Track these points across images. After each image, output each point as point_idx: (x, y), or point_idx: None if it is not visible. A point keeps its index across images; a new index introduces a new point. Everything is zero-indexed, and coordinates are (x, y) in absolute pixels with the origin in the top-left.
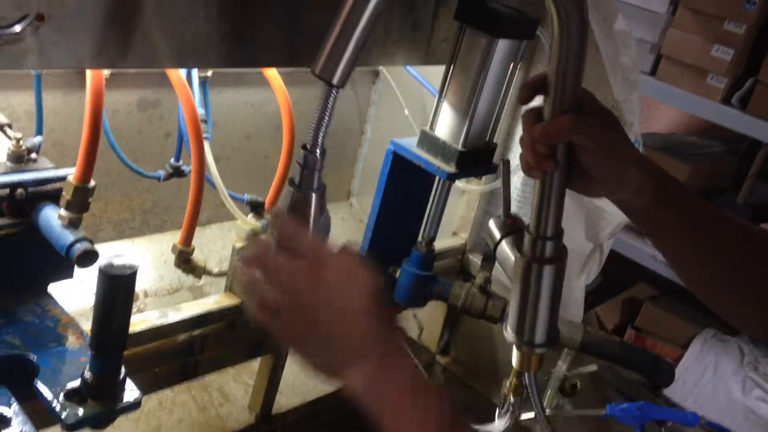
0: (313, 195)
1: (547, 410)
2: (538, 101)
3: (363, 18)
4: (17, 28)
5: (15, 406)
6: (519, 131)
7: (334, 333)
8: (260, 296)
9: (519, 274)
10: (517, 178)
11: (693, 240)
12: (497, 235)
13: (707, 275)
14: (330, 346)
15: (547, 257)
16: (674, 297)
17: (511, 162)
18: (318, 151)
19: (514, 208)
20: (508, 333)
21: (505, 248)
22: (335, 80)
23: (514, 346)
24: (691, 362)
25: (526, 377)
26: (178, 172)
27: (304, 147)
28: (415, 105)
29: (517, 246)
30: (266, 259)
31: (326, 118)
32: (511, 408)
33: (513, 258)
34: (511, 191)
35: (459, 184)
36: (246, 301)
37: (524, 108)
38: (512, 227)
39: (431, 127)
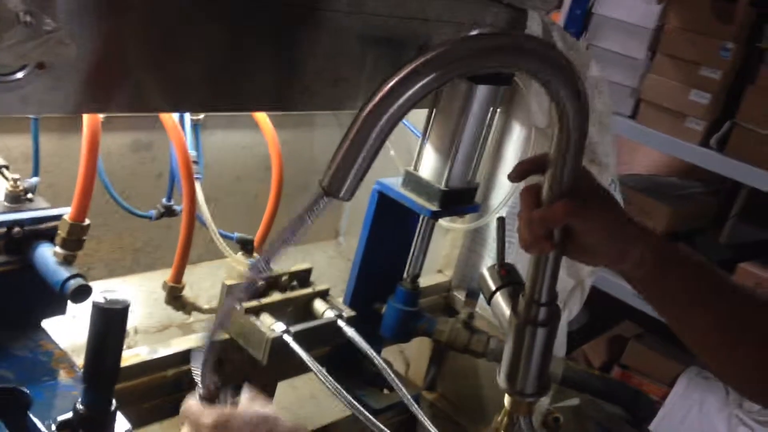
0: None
1: None
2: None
3: (374, 134)
4: (19, 75)
5: None
6: (501, 171)
7: None
8: None
9: (512, 332)
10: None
11: (697, 310)
12: (492, 286)
13: (711, 344)
14: None
15: (541, 321)
16: (659, 334)
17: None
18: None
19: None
20: (501, 380)
21: (500, 301)
22: (342, 194)
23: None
24: (677, 400)
25: (518, 420)
26: (169, 212)
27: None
28: (401, 146)
29: (511, 297)
30: None
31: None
32: None
33: (507, 311)
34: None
35: (443, 222)
36: None
37: (522, 185)
38: (507, 278)
39: (415, 168)
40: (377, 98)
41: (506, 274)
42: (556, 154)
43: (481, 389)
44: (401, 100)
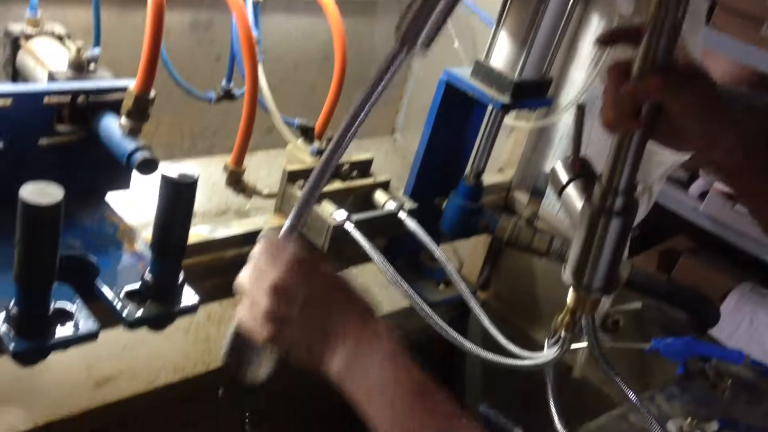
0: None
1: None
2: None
3: None
4: None
5: (78, 302)
6: (574, 67)
7: (312, 321)
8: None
9: (584, 223)
10: (568, 115)
11: None
12: (564, 178)
13: None
14: (308, 335)
15: (617, 211)
16: (713, 250)
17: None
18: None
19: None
20: (566, 275)
21: (572, 193)
22: (419, 42)
23: (570, 288)
24: (728, 314)
25: (583, 317)
26: (228, 95)
27: None
28: (465, 38)
29: (584, 189)
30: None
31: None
32: (561, 342)
33: (579, 204)
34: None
35: (508, 120)
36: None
37: (608, 59)
38: (581, 171)
39: (486, 57)
40: None
41: (580, 167)
42: (653, 22)
43: (535, 290)
44: None
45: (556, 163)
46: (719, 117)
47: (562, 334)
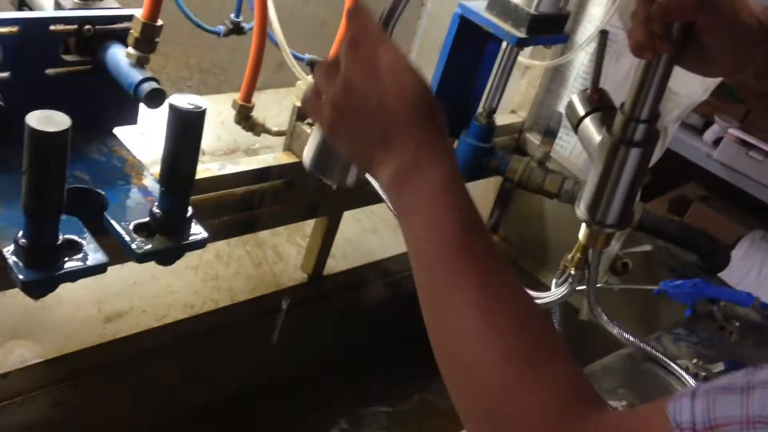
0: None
1: (598, 285)
2: None
3: None
4: None
5: (87, 234)
6: (593, 2)
7: (377, 120)
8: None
9: (603, 154)
10: (584, 54)
11: None
12: (582, 110)
13: None
14: (370, 133)
15: (637, 140)
16: (725, 198)
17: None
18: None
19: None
20: (581, 210)
21: (589, 125)
22: None
23: (583, 223)
24: (737, 261)
25: (590, 254)
26: (237, 29)
27: None
28: None
29: (602, 122)
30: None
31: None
32: (570, 280)
33: (597, 136)
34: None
35: (522, 59)
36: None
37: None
38: (599, 104)
39: None
40: None
41: (599, 99)
42: None
43: (545, 234)
44: None
45: (573, 96)
46: (751, 36)
47: (572, 271)
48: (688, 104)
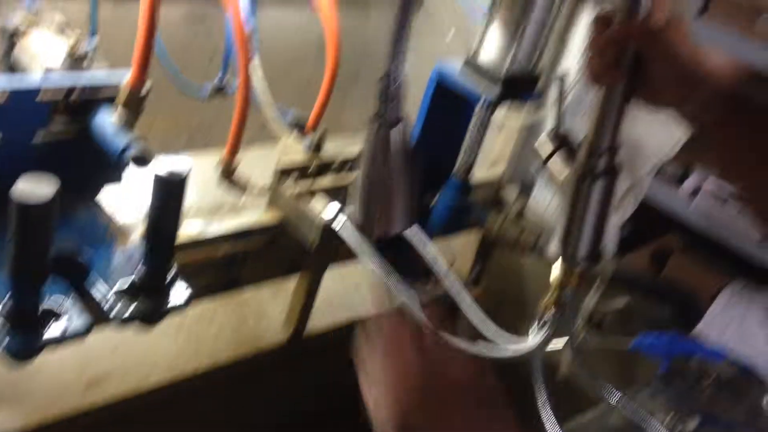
0: (394, 130)
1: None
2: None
3: None
4: None
5: (70, 300)
6: (566, 61)
7: None
8: None
9: (569, 188)
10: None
11: (764, 163)
12: (548, 148)
13: None
14: None
15: (600, 171)
16: (705, 249)
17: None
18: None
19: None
20: (553, 247)
21: (556, 163)
22: None
23: (557, 261)
24: (718, 313)
25: (566, 293)
26: (223, 90)
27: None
28: (458, 33)
29: (567, 161)
30: None
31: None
32: (548, 323)
33: (563, 172)
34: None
35: (499, 116)
36: None
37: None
38: (564, 142)
39: (477, 51)
40: None
41: (564, 138)
42: None
43: (527, 287)
44: None
45: (540, 137)
46: (697, 65)
47: (550, 313)
48: (659, 159)
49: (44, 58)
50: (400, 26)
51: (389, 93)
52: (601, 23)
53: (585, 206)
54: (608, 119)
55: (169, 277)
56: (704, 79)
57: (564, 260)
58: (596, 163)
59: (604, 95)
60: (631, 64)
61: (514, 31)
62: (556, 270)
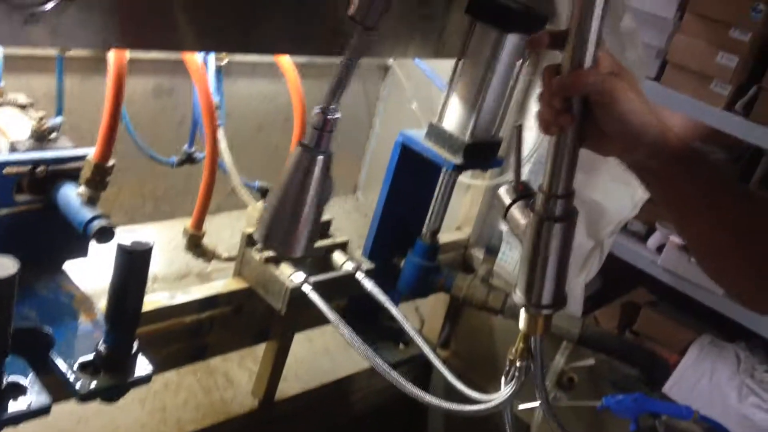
0: (321, 158)
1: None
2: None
3: None
4: (48, 6)
5: (31, 375)
6: (526, 127)
7: None
8: None
9: (529, 235)
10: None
11: (706, 210)
12: (508, 199)
13: (714, 246)
14: None
15: (558, 215)
16: (673, 303)
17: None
18: (333, 111)
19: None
20: (517, 295)
21: (516, 213)
22: (368, 22)
23: (522, 310)
24: (688, 367)
25: (532, 342)
26: (190, 159)
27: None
28: (423, 100)
29: (527, 208)
30: None
31: (351, 69)
32: (517, 374)
33: (523, 221)
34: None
35: (464, 179)
36: None
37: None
38: (523, 192)
39: (439, 119)
40: None
41: (523, 189)
42: (578, 18)
43: (496, 348)
44: None
45: (500, 189)
46: (643, 117)
47: (518, 364)
48: (620, 220)
49: (10, 133)
50: (344, 70)
51: (325, 123)
52: (550, 73)
53: (546, 250)
54: (562, 165)
55: (132, 350)
56: (650, 128)
57: (528, 308)
58: (554, 206)
59: (556, 142)
60: (580, 109)
61: (474, 101)
62: (521, 319)
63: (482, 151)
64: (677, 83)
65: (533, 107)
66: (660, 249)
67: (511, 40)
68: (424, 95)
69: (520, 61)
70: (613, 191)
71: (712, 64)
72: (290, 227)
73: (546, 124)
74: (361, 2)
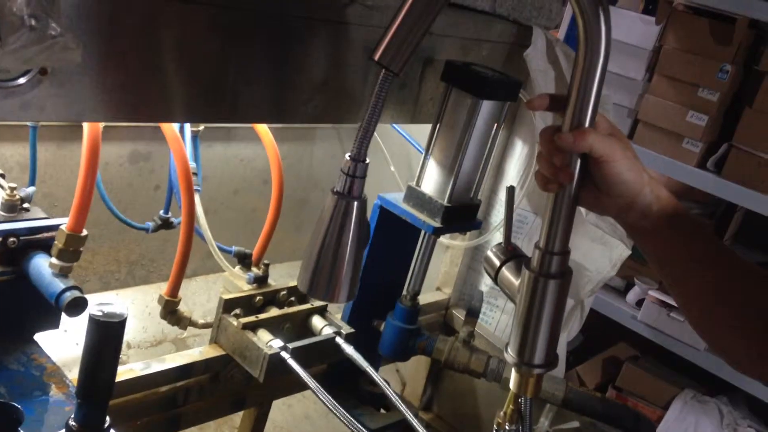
0: (356, 203)
1: None
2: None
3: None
4: (21, 80)
5: None
6: (503, 189)
7: None
8: None
9: (524, 291)
10: (500, 234)
11: (695, 269)
12: (498, 261)
13: (702, 305)
14: None
15: (554, 272)
16: (654, 357)
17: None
18: (364, 157)
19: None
20: (509, 354)
21: (507, 273)
22: (395, 67)
23: (513, 370)
24: (672, 423)
25: (523, 403)
26: (166, 224)
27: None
28: (401, 162)
29: (518, 269)
30: None
31: (377, 114)
32: None
33: (515, 281)
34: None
35: (443, 240)
36: None
37: (541, 126)
38: (513, 253)
39: (417, 183)
40: None
41: (512, 249)
42: (579, 83)
43: (478, 410)
44: None
45: (488, 251)
46: (638, 177)
47: (507, 427)
48: (600, 279)
49: None
50: (372, 115)
51: (357, 170)
52: (548, 133)
53: (540, 307)
54: (559, 222)
55: (105, 425)
56: (644, 188)
57: (519, 367)
58: (550, 263)
59: (554, 199)
60: (578, 168)
61: (451, 165)
62: (512, 379)
63: (461, 214)
64: (649, 142)
65: (511, 170)
66: (639, 303)
67: (487, 106)
68: (402, 158)
69: (496, 125)
70: (592, 251)
71: (682, 122)
72: (333, 275)
73: (545, 182)
74: (387, 47)
